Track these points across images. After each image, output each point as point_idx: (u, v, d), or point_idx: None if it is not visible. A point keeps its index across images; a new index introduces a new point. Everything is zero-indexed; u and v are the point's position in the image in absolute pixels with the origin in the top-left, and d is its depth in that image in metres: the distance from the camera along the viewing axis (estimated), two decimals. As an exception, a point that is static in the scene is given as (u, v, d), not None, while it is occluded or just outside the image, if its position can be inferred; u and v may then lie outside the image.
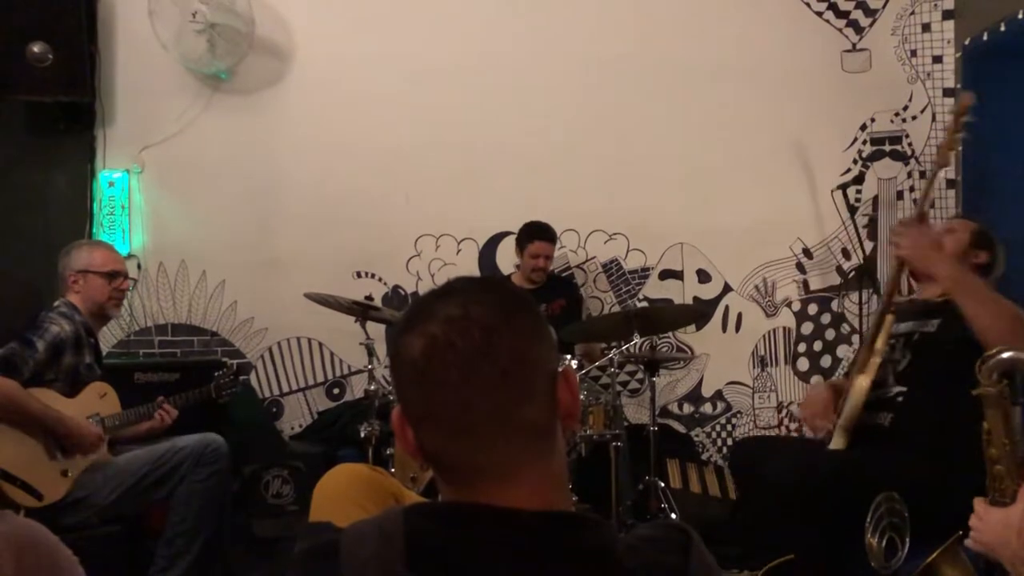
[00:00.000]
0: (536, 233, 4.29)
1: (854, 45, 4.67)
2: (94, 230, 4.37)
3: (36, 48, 4.00)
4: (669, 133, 4.63)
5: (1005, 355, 1.69)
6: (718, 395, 4.70)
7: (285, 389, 4.54)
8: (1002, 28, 3.98)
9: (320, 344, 4.54)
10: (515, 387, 0.92)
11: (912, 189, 4.64)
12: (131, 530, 3.05)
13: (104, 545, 2.89)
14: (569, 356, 3.76)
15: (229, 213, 4.48)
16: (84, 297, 3.15)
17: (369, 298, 4.41)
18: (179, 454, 2.98)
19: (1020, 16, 3.82)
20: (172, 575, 2.95)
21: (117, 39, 4.40)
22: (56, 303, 3.12)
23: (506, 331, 0.93)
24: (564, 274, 4.63)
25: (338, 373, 4.56)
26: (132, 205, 4.41)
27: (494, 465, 0.92)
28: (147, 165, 4.43)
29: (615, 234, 4.67)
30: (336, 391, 4.57)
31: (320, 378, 4.56)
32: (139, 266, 4.39)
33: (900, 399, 2.60)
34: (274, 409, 4.53)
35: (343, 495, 1.58)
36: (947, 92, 4.58)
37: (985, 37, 4.17)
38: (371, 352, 3.58)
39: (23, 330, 2.95)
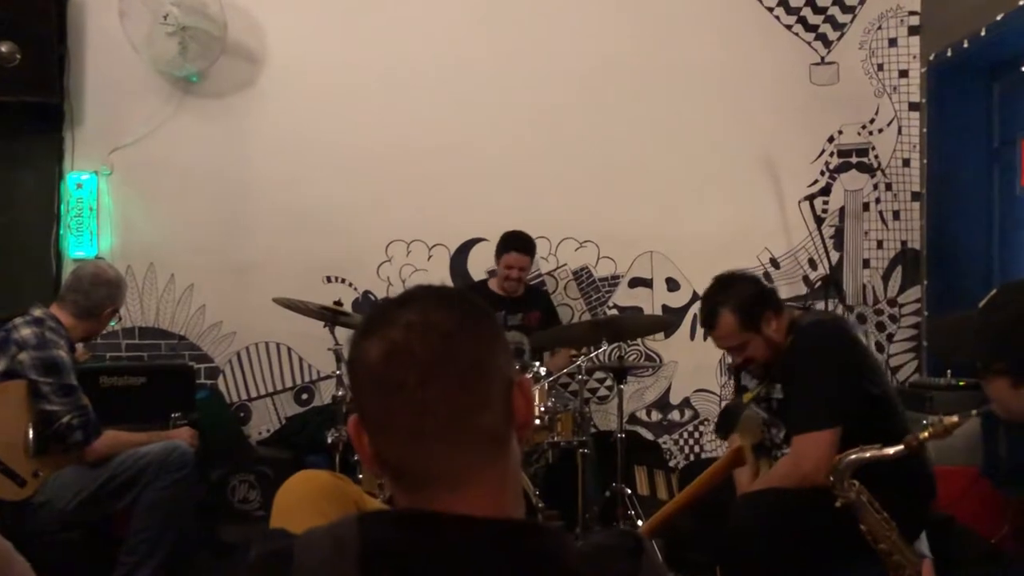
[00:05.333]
0: (512, 244, 4.24)
1: (822, 58, 4.74)
2: (61, 232, 4.34)
3: (4, 48, 3.98)
4: (640, 142, 4.66)
5: (845, 461, 1.84)
6: (686, 402, 4.73)
7: (253, 394, 4.52)
8: (965, 45, 4.07)
9: (289, 349, 4.52)
10: (472, 394, 0.93)
11: (878, 201, 4.71)
12: (93, 536, 3.01)
13: (65, 552, 2.86)
14: (538, 363, 3.75)
15: (198, 216, 4.46)
16: (94, 330, 3.15)
17: (339, 303, 4.38)
18: (142, 460, 2.94)
19: (982, 34, 3.90)
20: (135, 582, 2.92)
21: (87, 40, 4.38)
22: (39, 314, 2.95)
23: (465, 338, 0.94)
24: (534, 282, 4.64)
25: (307, 378, 4.55)
26: (100, 207, 4.38)
27: (449, 472, 0.93)
28: (116, 167, 4.41)
29: (585, 242, 4.70)
30: (304, 396, 4.56)
31: (288, 383, 4.54)
32: (106, 269, 4.35)
33: None
34: (242, 414, 4.50)
35: (304, 501, 1.57)
36: (912, 106, 4.65)
37: (949, 53, 4.26)
38: (340, 358, 3.56)
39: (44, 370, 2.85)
